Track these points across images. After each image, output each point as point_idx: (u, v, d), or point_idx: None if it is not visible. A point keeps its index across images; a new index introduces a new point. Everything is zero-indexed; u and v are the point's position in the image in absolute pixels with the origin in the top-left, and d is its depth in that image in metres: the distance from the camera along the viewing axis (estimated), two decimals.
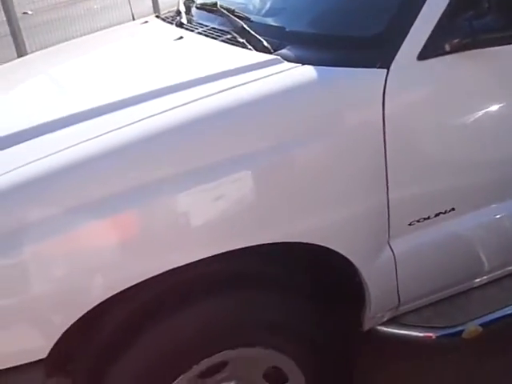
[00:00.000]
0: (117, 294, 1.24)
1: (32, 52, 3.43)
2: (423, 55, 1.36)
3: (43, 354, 1.21)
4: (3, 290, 1.18)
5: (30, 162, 1.26)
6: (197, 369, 1.37)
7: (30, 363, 1.20)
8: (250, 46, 1.55)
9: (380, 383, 1.89)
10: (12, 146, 1.35)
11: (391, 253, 1.47)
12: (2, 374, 1.18)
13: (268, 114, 1.33)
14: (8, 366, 1.19)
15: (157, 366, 1.31)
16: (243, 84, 1.37)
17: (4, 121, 1.58)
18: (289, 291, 1.45)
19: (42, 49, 2.84)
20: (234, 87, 1.37)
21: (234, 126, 1.30)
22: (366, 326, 1.59)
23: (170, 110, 1.33)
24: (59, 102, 1.62)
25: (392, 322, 1.63)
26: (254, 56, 1.49)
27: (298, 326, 1.43)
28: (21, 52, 4.90)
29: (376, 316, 1.57)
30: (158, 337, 1.31)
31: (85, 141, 1.28)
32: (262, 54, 1.49)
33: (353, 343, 1.57)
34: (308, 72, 1.37)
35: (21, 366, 1.19)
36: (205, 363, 1.37)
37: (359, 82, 1.37)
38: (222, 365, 1.44)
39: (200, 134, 1.28)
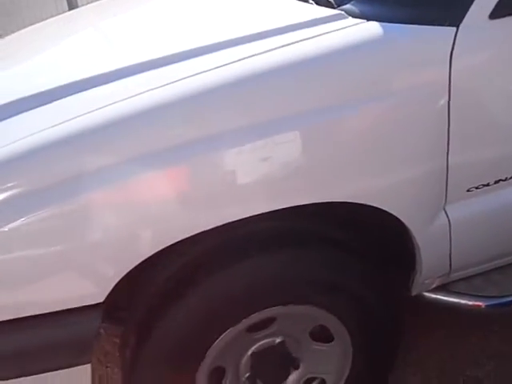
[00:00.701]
0: (170, 246, 1.26)
1: (83, 5, 3.43)
2: (495, 14, 1.30)
3: (101, 299, 1.24)
4: (62, 236, 1.20)
5: (91, 111, 1.27)
6: (245, 323, 1.39)
7: (89, 306, 1.23)
8: (311, 1, 1.51)
9: (422, 349, 1.90)
10: (74, 94, 1.36)
11: (446, 219, 1.45)
12: (64, 313, 1.22)
13: (330, 72, 1.30)
14: (69, 307, 1.22)
15: (207, 318, 1.34)
16: (304, 40, 1.34)
17: (62, 71, 1.59)
18: (341, 251, 1.44)
19: (93, 2, 2.83)
20: (294, 43, 1.34)
21: (295, 83, 1.28)
22: (415, 291, 1.58)
23: (231, 63, 1.31)
24: (116, 54, 1.62)
25: (441, 288, 1.62)
26: (316, 11, 1.46)
27: (349, 286, 1.43)
28: (72, 5, 4.91)
29: (425, 282, 1.56)
30: (209, 290, 1.32)
31: (145, 91, 1.28)
32: (324, 8, 1.45)
33: (401, 308, 1.56)
34: (373, 29, 1.33)
35: (81, 307, 1.22)
36: (254, 318, 1.38)
37: (426, 41, 1.32)
38: (270, 320, 1.46)
39: (264, 88, 1.26)
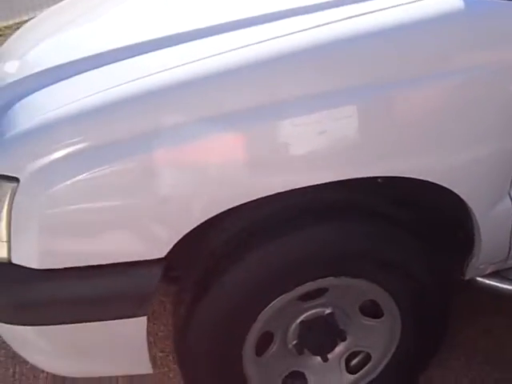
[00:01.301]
0: (231, 208, 1.27)
1: None
2: None
3: (162, 254, 1.27)
4: (127, 191, 1.23)
5: (162, 71, 1.28)
6: (299, 291, 1.40)
7: (151, 260, 1.26)
8: None
9: (468, 335, 1.88)
10: (145, 53, 1.37)
11: (510, 203, 1.42)
12: (126, 266, 1.26)
13: (405, 44, 1.27)
14: (132, 260, 1.26)
15: (262, 283, 1.36)
16: (380, 10, 1.32)
17: (127, 33, 1.59)
18: (400, 229, 1.43)
19: None
20: (370, 12, 1.31)
21: (370, 53, 1.26)
22: (468, 276, 1.56)
23: (305, 30, 1.30)
24: (184, 17, 1.62)
25: (495, 275, 1.60)
26: None
27: (404, 264, 1.42)
28: None
29: (480, 267, 1.54)
30: (266, 256, 1.34)
31: (218, 54, 1.28)
32: None
33: (453, 291, 1.55)
34: (451, 1, 1.30)
35: (143, 261, 1.26)
36: (307, 286, 1.40)
37: (504, 16, 1.28)
38: (322, 291, 1.47)
39: (332, 57, 1.25)
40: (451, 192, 1.36)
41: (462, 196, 1.36)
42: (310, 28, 1.31)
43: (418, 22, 1.28)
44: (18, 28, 2.24)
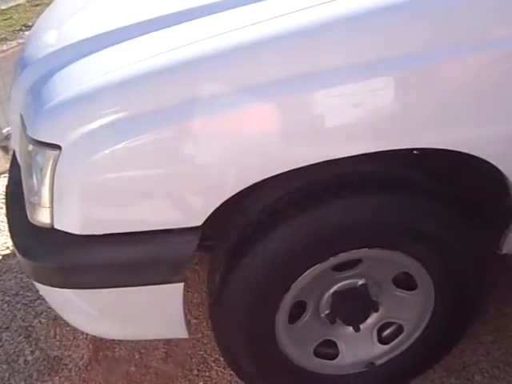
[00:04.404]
0: (267, 178, 1.28)
1: None
2: None
3: (199, 223, 1.29)
4: (165, 160, 1.24)
5: (198, 41, 1.28)
6: (332, 261, 1.41)
7: (188, 228, 1.29)
8: None
9: (502, 310, 1.87)
10: (183, 22, 1.38)
11: None
12: (164, 233, 1.29)
13: (437, 15, 1.23)
14: (170, 227, 1.28)
15: (296, 252, 1.37)
16: None
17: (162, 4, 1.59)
18: (435, 201, 1.42)
19: None
20: None
21: (403, 24, 1.23)
22: (505, 250, 1.54)
23: (329, 2, 1.27)
24: None
25: None
26: None
27: (439, 236, 1.41)
28: None
29: None
30: (302, 225, 1.34)
31: (255, 23, 1.28)
32: None
33: (488, 265, 1.54)
34: None
35: (181, 229, 1.29)
36: (342, 257, 1.41)
37: None
38: (356, 262, 1.48)
39: (366, 27, 1.23)
40: (489, 164, 1.34)
41: (500, 167, 1.33)
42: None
43: None
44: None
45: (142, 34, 1.40)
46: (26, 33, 4.63)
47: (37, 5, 5.40)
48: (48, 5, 2.16)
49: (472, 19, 1.24)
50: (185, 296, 1.41)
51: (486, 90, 1.27)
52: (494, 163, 1.33)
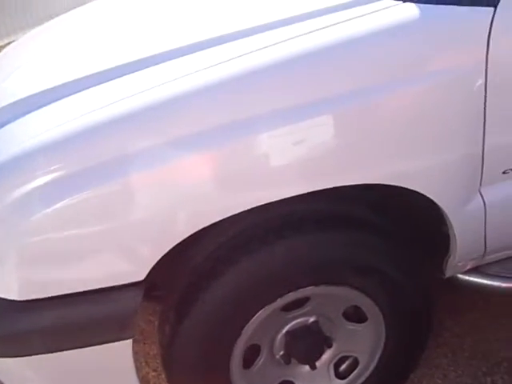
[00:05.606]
0: (209, 226, 1.29)
1: None
2: None
3: (141, 277, 1.28)
4: (104, 216, 1.24)
5: (130, 96, 1.30)
6: (280, 302, 1.42)
7: (130, 284, 1.27)
8: None
9: (454, 331, 1.91)
10: (116, 78, 1.39)
11: (481, 201, 1.44)
12: (106, 291, 1.27)
13: (364, 55, 1.30)
14: (111, 285, 1.27)
15: (243, 296, 1.37)
16: (338, 23, 1.34)
17: (105, 57, 1.61)
18: (376, 234, 1.46)
19: None
20: (327, 27, 1.33)
21: (330, 66, 1.28)
22: (448, 274, 1.59)
23: (268, 47, 1.32)
24: (159, 36, 1.64)
25: (474, 271, 1.62)
26: None
27: (382, 268, 1.44)
28: None
29: (459, 264, 1.56)
30: (246, 269, 1.35)
31: (184, 76, 1.30)
32: None
33: (433, 290, 1.58)
34: (408, 10, 1.33)
35: (122, 285, 1.27)
36: (289, 297, 1.41)
37: (463, 22, 1.31)
38: (304, 300, 1.49)
39: (301, 70, 1.27)
40: (423, 195, 1.38)
41: (432, 197, 1.38)
42: (276, 43, 1.33)
43: (378, 33, 1.30)
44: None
45: (77, 92, 1.40)
46: None
47: None
48: None
49: (398, 56, 1.30)
50: (141, 348, 1.38)
51: (418, 124, 1.32)
52: (426, 194, 1.38)
